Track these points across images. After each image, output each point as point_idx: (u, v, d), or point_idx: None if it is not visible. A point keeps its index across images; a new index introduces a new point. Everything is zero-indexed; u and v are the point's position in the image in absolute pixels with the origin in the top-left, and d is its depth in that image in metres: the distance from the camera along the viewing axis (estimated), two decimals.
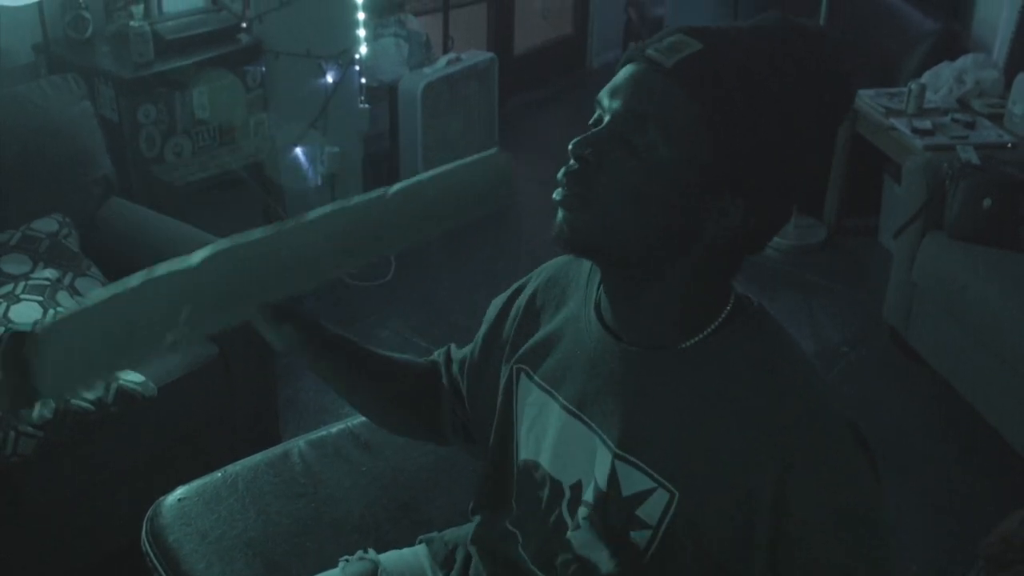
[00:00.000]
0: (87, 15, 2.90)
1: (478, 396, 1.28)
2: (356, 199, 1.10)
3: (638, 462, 1.04)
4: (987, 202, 2.77)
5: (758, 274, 3.58)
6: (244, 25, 3.13)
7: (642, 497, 1.04)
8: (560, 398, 1.13)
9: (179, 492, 1.62)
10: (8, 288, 2.10)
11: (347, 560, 1.45)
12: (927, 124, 3.25)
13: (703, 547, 1.01)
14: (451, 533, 1.45)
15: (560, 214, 1.00)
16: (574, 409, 1.11)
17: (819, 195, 3.79)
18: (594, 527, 1.06)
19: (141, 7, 3.00)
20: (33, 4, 2.72)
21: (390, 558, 1.45)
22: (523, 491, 1.20)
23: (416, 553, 1.46)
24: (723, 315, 1.04)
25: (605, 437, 1.07)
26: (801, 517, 0.96)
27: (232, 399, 2.32)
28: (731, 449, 0.98)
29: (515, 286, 1.28)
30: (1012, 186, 2.80)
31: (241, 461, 1.69)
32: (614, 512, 1.06)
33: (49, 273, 2.18)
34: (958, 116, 3.30)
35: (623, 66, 1.01)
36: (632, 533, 1.05)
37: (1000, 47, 3.66)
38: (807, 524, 0.97)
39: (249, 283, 1.06)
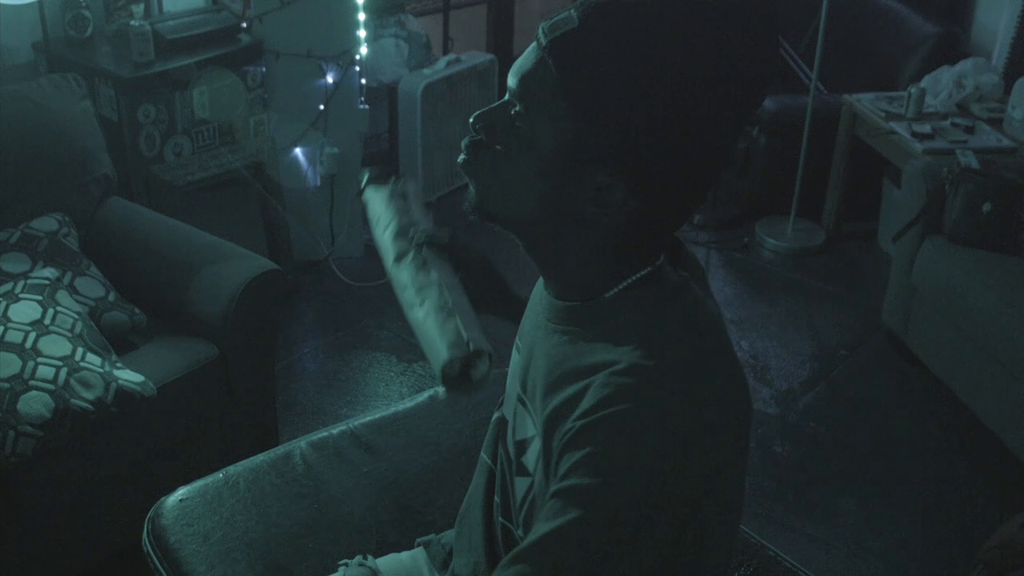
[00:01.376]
0: (87, 14, 2.90)
1: None
2: None
3: (529, 408, 1.06)
4: (987, 206, 2.78)
5: (757, 277, 3.59)
6: (244, 25, 3.12)
7: (527, 444, 1.06)
8: (518, 343, 1.17)
9: (180, 492, 1.61)
10: (7, 287, 2.09)
11: (346, 564, 1.44)
12: (927, 128, 3.26)
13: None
14: (448, 535, 1.44)
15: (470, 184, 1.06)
16: (517, 342, 1.16)
17: (818, 199, 3.80)
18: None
19: (141, 6, 3.00)
20: (33, 3, 2.72)
21: (388, 562, 1.45)
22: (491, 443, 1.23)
23: (414, 556, 1.46)
24: (628, 280, 1.02)
25: (518, 375, 1.11)
26: (566, 454, 0.93)
27: (231, 399, 2.32)
28: (571, 400, 0.96)
29: None
30: (1012, 190, 2.80)
31: (242, 462, 1.68)
32: (512, 455, 1.09)
33: (48, 272, 2.17)
34: (958, 120, 3.31)
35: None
36: (517, 479, 1.07)
37: (1000, 51, 3.67)
38: (565, 462, 0.92)
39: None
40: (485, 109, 1.03)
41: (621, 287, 1.02)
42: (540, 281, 1.14)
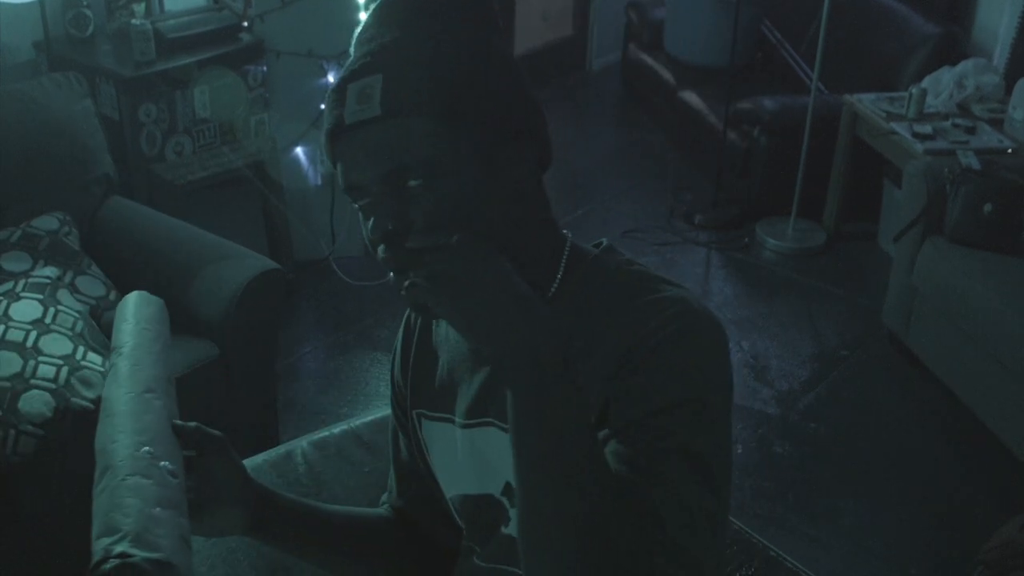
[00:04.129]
0: (88, 13, 2.90)
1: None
2: None
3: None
4: (987, 207, 2.78)
5: (758, 277, 3.59)
6: (246, 24, 3.12)
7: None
8: (456, 418, 1.08)
9: None
10: (8, 286, 2.09)
11: None
12: (927, 128, 3.26)
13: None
14: None
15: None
16: (468, 420, 1.06)
17: (819, 199, 3.79)
18: None
19: (143, 5, 3.00)
20: (35, 1, 2.72)
21: None
22: (471, 523, 1.14)
23: None
24: (559, 274, 1.01)
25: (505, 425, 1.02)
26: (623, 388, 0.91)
27: (232, 399, 2.32)
28: (597, 382, 0.93)
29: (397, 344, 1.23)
30: (1012, 191, 2.80)
31: (243, 461, 1.68)
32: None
33: (49, 271, 2.17)
34: (959, 121, 3.31)
35: (334, 147, 0.95)
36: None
37: (1000, 52, 3.67)
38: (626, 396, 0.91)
39: None
40: (375, 235, 0.93)
41: (557, 282, 1.00)
42: (449, 352, 1.09)
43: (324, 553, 1.22)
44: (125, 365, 1.07)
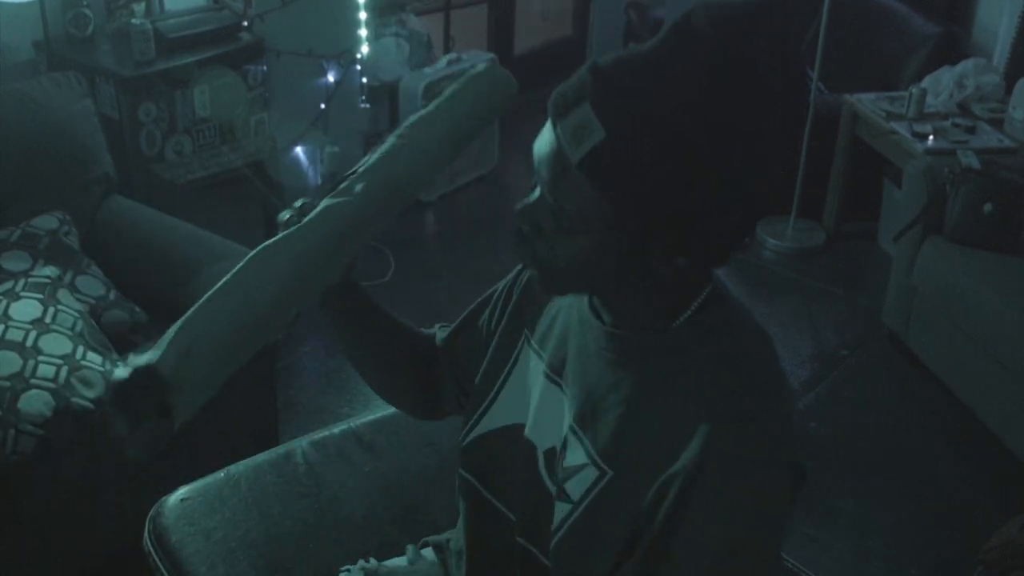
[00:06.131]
0: (88, 12, 2.90)
1: (480, 359, 1.27)
2: (381, 149, 1.13)
3: (584, 438, 1.05)
4: (988, 207, 2.78)
5: (757, 277, 3.58)
6: (245, 24, 3.12)
7: (574, 471, 1.05)
8: (544, 360, 1.15)
9: (182, 492, 1.61)
10: (8, 285, 2.09)
11: (348, 570, 1.44)
12: (928, 128, 3.26)
13: (614, 530, 1.01)
14: (453, 536, 1.45)
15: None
16: (552, 375, 1.13)
17: (819, 199, 3.79)
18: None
19: (143, 5, 3.00)
20: (34, 1, 2.71)
21: (390, 565, 1.45)
22: (488, 457, 1.21)
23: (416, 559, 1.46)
24: (692, 308, 1.03)
25: (570, 405, 1.09)
26: (692, 521, 0.95)
27: (231, 399, 2.31)
28: (667, 439, 0.98)
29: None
30: (1013, 191, 2.80)
31: (244, 461, 1.68)
32: (556, 478, 1.08)
33: (49, 271, 2.17)
34: (959, 120, 3.31)
35: (548, 115, 0.97)
36: (557, 503, 1.07)
37: (1001, 52, 3.67)
38: (693, 527, 0.95)
39: (341, 236, 1.08)
40: (525, 204, 1.00)
41: (688, 315, 1.02)
42: (571, 305, 1.13)
43: (370, 351, 1.34)
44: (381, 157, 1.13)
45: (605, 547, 1.02)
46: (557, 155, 0.94)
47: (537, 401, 1.15)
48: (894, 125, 3.33)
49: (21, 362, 1.92)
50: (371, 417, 1.82)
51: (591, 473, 1.03)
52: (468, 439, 1.23)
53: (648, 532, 0.98)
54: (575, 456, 1.06)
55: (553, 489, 1.10)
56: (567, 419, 1.09)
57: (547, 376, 1.14)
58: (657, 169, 0.89)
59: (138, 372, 0.93)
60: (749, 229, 1.00)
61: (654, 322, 1.03)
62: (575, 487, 1.05)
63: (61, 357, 1.97)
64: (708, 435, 0.95)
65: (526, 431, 1.16)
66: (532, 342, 1.19)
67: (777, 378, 1.05)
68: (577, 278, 1.02)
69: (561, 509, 1.06)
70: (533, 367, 1.18)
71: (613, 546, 1.01)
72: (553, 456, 1.11)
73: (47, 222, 2.31)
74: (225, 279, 1.01)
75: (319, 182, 3.41)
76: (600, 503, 1.02)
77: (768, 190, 0.95)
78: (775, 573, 1.02)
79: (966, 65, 3.49)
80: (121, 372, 0.94)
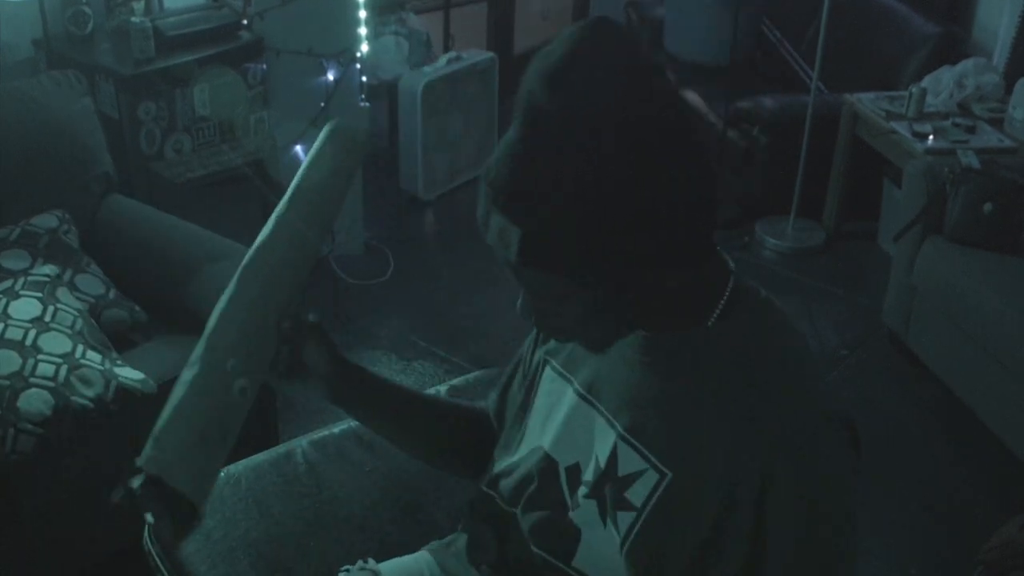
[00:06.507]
0: (88, 11, 2.89)
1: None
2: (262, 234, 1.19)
3: (638, 444, 1.06)
4: (987, 207, 2.78)
5: (757, 277, 3.57)
6: (245, 22, 3.12)
7: (632, 478, 1.06)
8: (575, 383, 1.16)
9: None
10: (7, 284, 2.08)
11: (347, 570, 1.44)
12: (928, 128, 3.26)
13: (682, 533, 1.03)
14: (459, 541, 1.44)
15: None
16: (584, 392, 1.14)
17: (818, 198, 3.79)
18: (597, 505, 1.10)
19: (142, 3, 2.99)
20: None
21: (390, 567, 1.44)
22: (518, 481, 1.22)
23: (416, 560, 1.45)
24: (721, 304, 1.04)
25: (611, 418, 1.10)
26: (777, 525, 1.00)
27: None
28: (721, 439, 1.01)
29: None
30: (1013, 191, 2.80)
31: (243, 461, 1.68)
32: (608, 491, 1.09)
33: (48, 269, 2.17)
34: (959, 120, 3.31)
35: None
36: (619, 513, 1.08)
37: (1000, 51, 3.67)
38: (781, 532, 1.00)
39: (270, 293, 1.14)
40: (519, 301, 1.05)
41: (718, 312, 1.04)
42: None
43: (400, 431, 1.35)
44: (284, 210, 1.20)
45: (676, 549, 1.04)
46: (503, 259, 0.98)
47: (563, 419, 1.17)
48: (894, 125, 3.33)
49: (21, 361, 1.92)
50: None
51: (651, 477, 1.05)
52: (498, 469, 1.26)
53: (734, 549, 1.01)
54: (630, 464, 1.07)
55: (570, 502, 1.14)
56: (609, 432, 1.10)
57: (579, 395, 1.15)
58: (583, 237, 0.91)
59: (145, 483, 1.03)
60: (706, 220, 0.98)
61: (685, 324, 1.04)
62: (636, 493, 1.06)
63: (61, 356, 1.96)
64: (764, 440, 0.99)
65: (547, 447, 1.18)
66: (555, 366, 1.20)
67: (808, 355, 1.08)
68: (601, 330, 1.04)
69: (624, 519, 1.07)
70: (556, 389, 1.20)
71: (684, 549, 1.03)
72: (576, 472, 1.14)
73: (47, 221, 2.30)
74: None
75: None
76: (664, 505, 1.04)
77: (704, 181, 0.95)
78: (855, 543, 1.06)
79: (966, 65, 3.49)
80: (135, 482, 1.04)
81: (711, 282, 1.05)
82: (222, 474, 1.64)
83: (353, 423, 1.79)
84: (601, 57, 0.91)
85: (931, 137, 3.22)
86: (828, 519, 1.01)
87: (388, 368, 3.00)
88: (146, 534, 1.57)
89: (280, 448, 1.73)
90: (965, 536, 2.42)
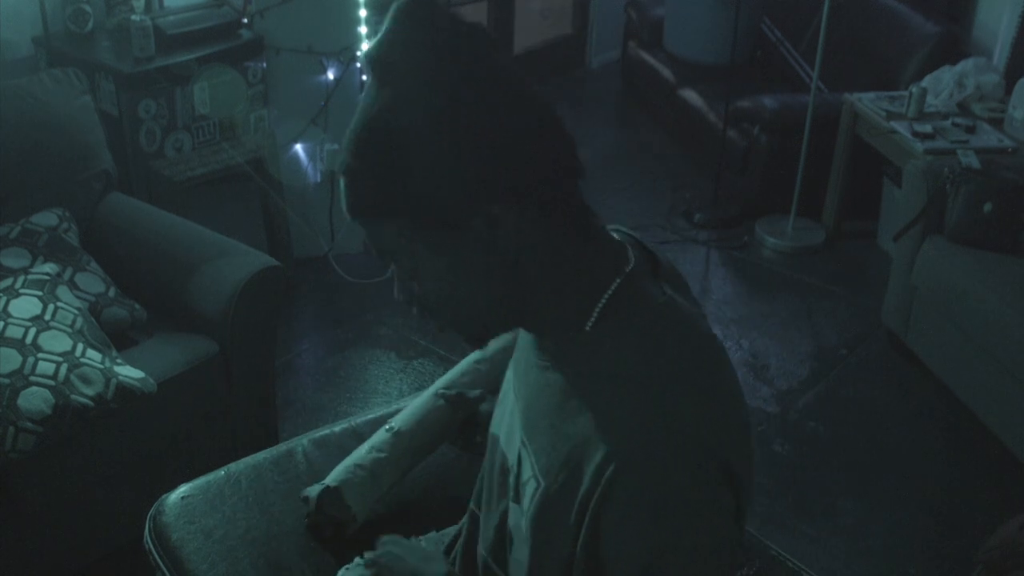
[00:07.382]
0: (88, 9, 2.89)
1: None
2: None
3: (529, 451, 1.03)
4: (987, 206, 2.78)
5: (757, 276, 3.58)
6: (245, 21, 3.12)
7: (526, 484, 1.04)
8: (511, 376, 1.17)
9: (182, 490, 1.61)
10: (7, 282, 2.08)
11: (347, 569, 1.44)
12: (928, 128, 3.26)
13: (551, 548, 0.99)
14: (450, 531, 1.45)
15: None
16: (516, 394, 1.13)
17: (818, 198, 3.79)
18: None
19: (142, 1, 2.99)
20: None
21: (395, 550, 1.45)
22: (487, 461, 1.23)
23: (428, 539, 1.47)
24: (600, 305, 0.99)
25: (521, 422, 1.08)
26: (609, 551, 0.93)
27: (232, 396, 2.31)
28: (577, 453, 0.95)
29: None
30: (1012, 191, 2.80)
31: (244, 459, 1.68)
32: (514, 494, 1.08)
33: (48, 267, 2.17)
34: (959, 120, 3.31)
35: None
36: (512, 505, 1.08)
37: (1001, 51, 3.67)
38: (620, 558, 0.93)
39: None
40: (396, 287, 1.06)
41: (598, 311, 0.98)
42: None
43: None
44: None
45: (549, 565, 1.00)
46: (358, 224, 1.00)
47: (508, 415, 1.15)
48: (894, 125, 3.33)
49: (21, 359, 1.92)
50: (372, 415, 1.82)
51: (532, 485, 1.02)
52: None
53: (577, 560, 0.95)
54: (526, 469, 1.04)
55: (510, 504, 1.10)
56: (519, 433, 1.07)
57: (515, 394, 1.14)
58: (387, 175, 0.94)
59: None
60: (531, 166, 0.96)
61: (569, 326, 1.00)
62: (527, 500, 1.03)
63: (61, 354, 1.96)
64: (606, 454, 0.92)
65: (501, 441, 1.16)
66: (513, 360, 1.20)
67: (692, 375, 0.98)
68: (468, 315, 1.02)
69: (515, 513, 1.06)
70: (507, 385, 1.19)
71: (554, 565, 0.99)
72: (507, 471, 1.11)
73: (47, 219, 2.30)
74: None
75: (319, 180, 3.40)
76: (538, 516, 1.00)
77: (522, 126, 0.95)
78: (728, 568, 0.96)
79: (966, 65, 3.49)
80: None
81: (588, 278, 1.00)
82: (222, 472, 1.64)
83: (353, 422, 1.79)
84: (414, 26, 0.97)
85: (931, 137, 3.22)
86: (674, 550, 0.91)
87: (388, 367, 2.99)
88: (147, 532, 1.57)
89: (281, 447, 1.73)
90: (964, 536, 2.42)
